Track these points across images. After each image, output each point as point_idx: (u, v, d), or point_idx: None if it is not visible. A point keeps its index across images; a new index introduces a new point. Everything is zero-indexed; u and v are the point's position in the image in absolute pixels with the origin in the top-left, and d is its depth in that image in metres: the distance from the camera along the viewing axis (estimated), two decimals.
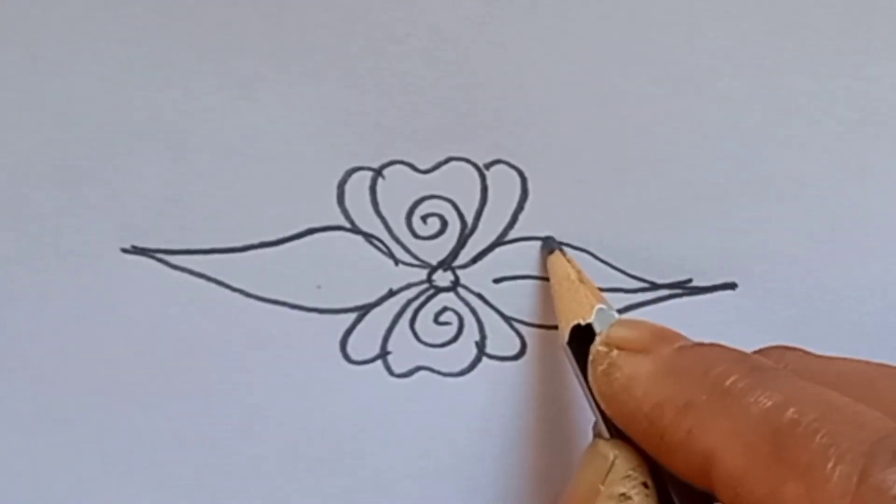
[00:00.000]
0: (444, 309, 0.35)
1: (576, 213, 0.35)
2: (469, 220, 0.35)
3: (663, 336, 0.29)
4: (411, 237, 0.35)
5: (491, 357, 0.36)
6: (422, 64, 0.34)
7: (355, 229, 0.35)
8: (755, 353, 0.30)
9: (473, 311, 0.35)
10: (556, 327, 0.35)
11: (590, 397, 0.30)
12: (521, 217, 0.35)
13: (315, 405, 0.36)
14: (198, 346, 0.35)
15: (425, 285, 0.35)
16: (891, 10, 0.34)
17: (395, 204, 0.35)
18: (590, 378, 0.30)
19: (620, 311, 0.35)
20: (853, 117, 0.35)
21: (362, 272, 0.35)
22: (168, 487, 0.36)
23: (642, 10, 0.34)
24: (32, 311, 0.34)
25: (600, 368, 0.29)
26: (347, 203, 0.35)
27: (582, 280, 0.33)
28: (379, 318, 0.35)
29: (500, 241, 0.35)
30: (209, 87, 0.34)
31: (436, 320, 0.35)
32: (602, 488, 0.28)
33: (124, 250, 0.34)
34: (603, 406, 0.29)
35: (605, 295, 0.35)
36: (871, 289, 0.36)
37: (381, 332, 0.35)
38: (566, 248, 0.35)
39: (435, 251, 0.35)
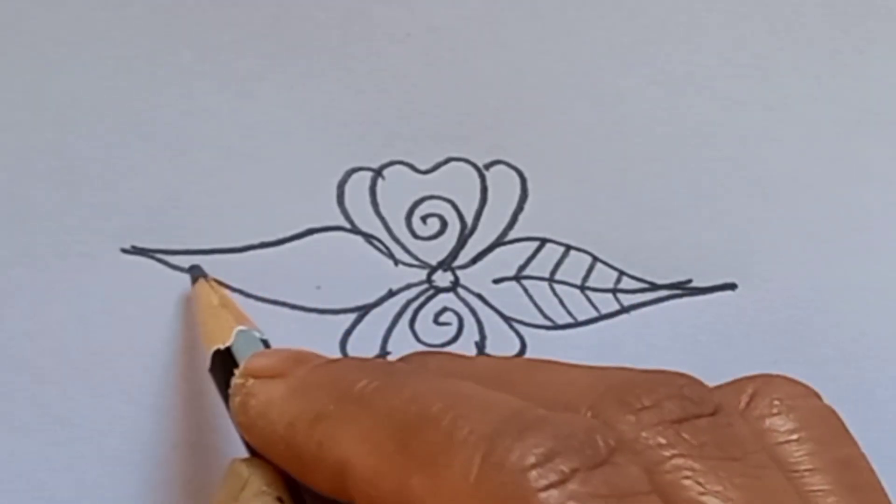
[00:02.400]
0: (444, 309, 0.35)
1: (575, 213, 0.35)
2: (469, 220, 0.35)
3: (299, 358, 0.28)
4: (411, 237, 0.35)
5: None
6: (422, 64, 0.34)
7: (355, 230, 0.35)
8: (398, 360, 0.30)
9: (473, 312, 0.35)
10: (556, 328, 0.35)
11: (235, 428, 0.29)
12: (521, 217, 0.35)
13: None
14: (198, 346, 0.35)
15: (425, 286, 0.35)
16: (891, 10, 0.34)
17: (394, 204, 0.35)
18: (231, 411, 0.29)
19: (620, 312, 0.35)
20: (853, 117, 0.35)
21: (362, 272, 0.35)
22: (168, 487, 0.36)
23: (642, 10, 0.34)
24: (32, 311, 0.34)
25: (237, 399, 0.29)
26: (347, 203, 0.35)
27: (224, 304, 0.33)
28: (379, 319, 0.35)
29: (499, 242, 0.35)
30: (209, 87, 0.34)
31: (435, 321, 0.35)
32: None
33: (124, 250, 0.34)
34: (244, 436, 0.29)
35: (604, 296, 0.35)
36: (871, 289, 0.36)
37: (381, 333, 0.35)
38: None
39: (435, 251, 0.35)
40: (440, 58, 0.34)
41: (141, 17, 0.33)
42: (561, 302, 0.35)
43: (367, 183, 0.35)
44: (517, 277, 0.35)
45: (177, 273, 0.35)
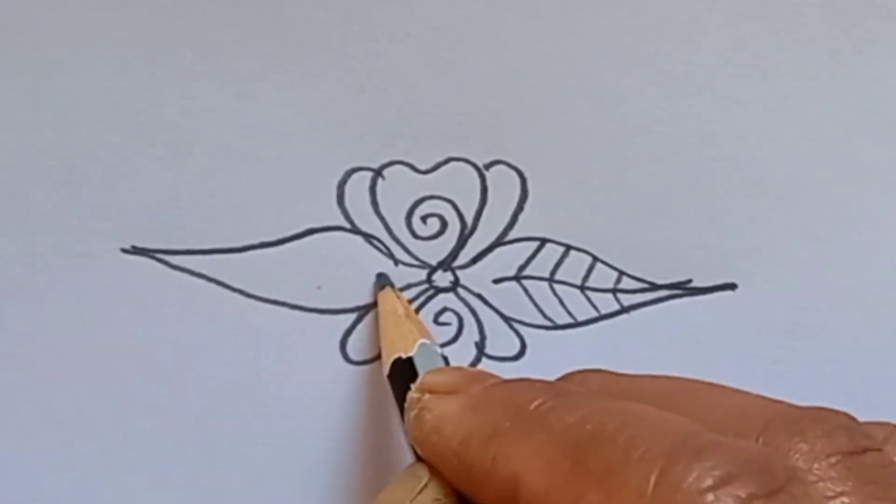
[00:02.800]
0: (444, 309, 0.35)
1: (575, 213, 0.35)
2: (469, 220, 0.35)
3: (474, 377, 0.29)
4: (411, 237, 0.35)
5: (490, 358, 0.36)
6: (422, 64, 0.34)
7: (355, 230, 0.35)
8: (558, 379, 0.30)
9: (473, 312, 0.35)
10: (556, 328, 0.36)
11: (407, 440, 0.30)
12: (521, 217, 0.35)
13: (314, 405, 0.36)
14: (198, 346, 0.35)
15: (425, 286, 0.35)
16: (891, 10, 0.34)
17: (394, 204, 0.35)
18: (405, 424, 0.30)
19: (620, 312, 0.35)
20: (853, 118, 0.35)
21: (362, 272, 0.35)
22: (168, 487, 0.36)
23: (642, 10, 0.34)
24: (32, 311, 0.34)
25: (412, 413, 0.29)
26: (347, 203, 0.35)
27: (408, 315, 0.34)
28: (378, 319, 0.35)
29: (499, 242, 0.35)
30: (209, 87, 0.34)
31: (435, 321, 0.35)
32: None
33: (124, 250, 0.34)
34: (418, 450, 0.29)
35: (604, 296, 0.35)
36: (871, 289, 0.36)
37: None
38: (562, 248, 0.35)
39: (435, 251, 0.35)
40: (440, 58, 0.34)
41: (141, 17, 0.33)
42: (561, 302, 0.35)
43: (367, 183, 0.35)
44: (517, 277, 0.35)
45: (177, 273, 0.35)
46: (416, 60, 0.34)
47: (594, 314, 0.35)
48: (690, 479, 0.21)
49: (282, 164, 0.34)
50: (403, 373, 0.31)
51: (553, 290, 0.35)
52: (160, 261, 0.34)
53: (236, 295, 0.35)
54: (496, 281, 0.35)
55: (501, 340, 0.36)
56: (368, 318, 0.35)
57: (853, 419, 0.25)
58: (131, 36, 0.33)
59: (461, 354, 0.36)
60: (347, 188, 0.34)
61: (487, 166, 0.35)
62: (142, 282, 0.35)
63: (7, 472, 0.35)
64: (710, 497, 0.21)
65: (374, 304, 0.35)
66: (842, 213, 0.35)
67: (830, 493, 0.23)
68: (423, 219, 0.35)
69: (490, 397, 0.27)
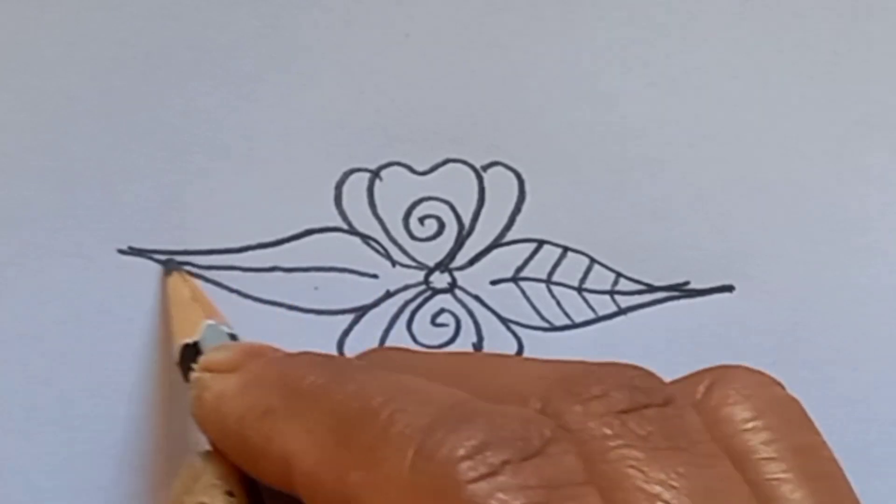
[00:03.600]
0: (442, 310, 0.35)
1: (573, 215, 0.35)
2: (466, 221, 0.35)
3: (254, 352, 0.29)
4: (408, 239, 0.35)
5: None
6: (420, 65, 0.34)
7: (353, 231, 0.35)
8: (359, 354, 0.30)
9: (470, 313, 0.35)
10: (554, 329, 0.35)
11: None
12: (519, 219, 0.35)
13: None
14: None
15: (422, 287, 0.35)
16: (891, 10, 0.34)
17: (392, 205, 0.35)
18: (191, 406, 0.29)
19: (618, 314, 0.35)
20: (853, 118, 0.34)
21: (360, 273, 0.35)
22: (168, 488, 0.36)
23: (642, 10, 0.34)
24: (30, 311, 0.34)
25: (193, 393, 0.29)
26: (345, 204, 0.35)
27: (195, 298, 0.33)
28: (376, 320, 0.35)
29: (497, 243, 0.35)
30: (208, 87, 0.34)
31: (433, 322, 0.35)
32: (185, 499, 0.27)
33: (122, 251, 0.34)
34: (201, 430, 0.29)
35: (602, 297, 0.35)
36: (871, 290, 0.36)
37: (379, 334, 0.35)
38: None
39: (432, 253, 0.35)
40: (439, 58, 0.34)
41: (141, 17, 0.33)
42: (558, 303, 0.35)
43: (365, 184, 0.35)
44: (515, 279, 0.35)
45: (176, 273, 0.35)
46: (415, 61, 0.34)
47: (592, 316, 0.35)
48: (444, 451, 0.22)
49: (280, 165, 0.34)
50: (190, 358, 0.30)
51: (550, 291, 0.35)
52: (158, 261, 0.35)
53: (234, 295, 0.35)
54: (494, 282, 0.35)
55: (499, 342, 0.36)
56: (367, 318, 0.35)
57: (643, 376, 0.25)
58: (131, 36, 0.33)
59: None
60: (345, 189, 0.35)
61: (485, 168, 0.35)
62: (141, 282, 0.35)
63: (7, 472, 0.35)
64: (464, 466, 0.21)
65: (373, 305, 0.35)
66: (842, 214, 0.35)
67: (603, 449, 0.23)
68: (421, 220, 0.35)
69: (266, 373, 0.27)
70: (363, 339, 0.35)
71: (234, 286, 0.35)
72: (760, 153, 0.34)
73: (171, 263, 0.34)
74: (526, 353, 0.36)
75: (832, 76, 0.34)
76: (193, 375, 0.29)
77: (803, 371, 0.35)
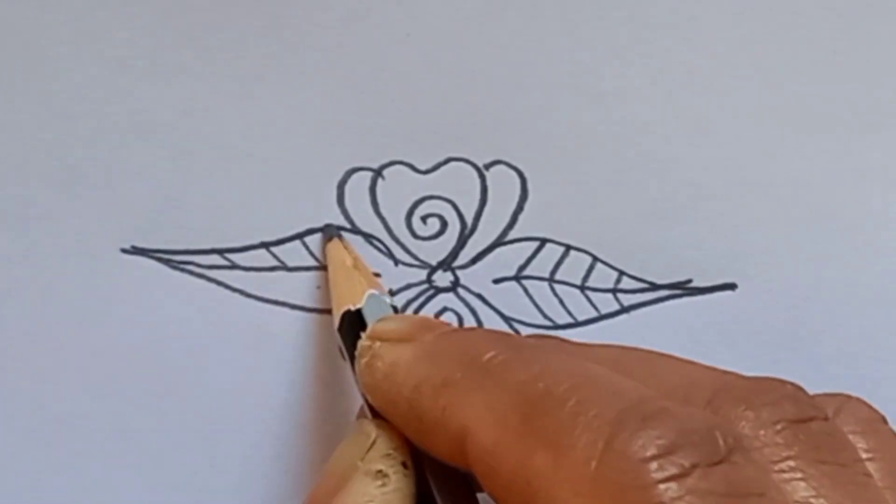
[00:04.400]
0: (444, 309, 0.35)
1: (575, 213, 0.35)
2: (469, 220, 0.35)
3: (427, 325, 0.29)
4: (411, 237, 0.35)
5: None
6: (422, 64, 0.34)
7: (355, 230, 0.35)
8: (523, 338, 0.30)
9: (473, 312, 0.35)
10: (557, 327, 0.35)
11: (359, 389, 0.30)
12: (521, 217, 0.35)
13: (315, 405, 0.36)
14: (198, 346, 0.35)
15: (425, 286, 0.35)
16: (891, 10, 0.34)
17: (394, 204, 0.35)
18: (357, 373, 0.29)
19: (620, 312, 0.35)
20: (853, 118, 0.35)
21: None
22: (167, 487, 0.36)
23: (642, 10, 0.34)
24: (32, 311, 0.34)
25: (364, 361, 0.29)
26: (347, 203, 0.35)
27: (357, 266, 0.33)
28: None
29: (499, 242, 0.35)
30: (209, 87, 0.34)
31: None
32: (360, 465, 0.27)
33: (124, 250, 0.34)
34: (368, 397, 0.29)
35: (604, 296, 0.35)
36: (871, 289, 0.36)
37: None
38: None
39: (435, 252, 0.35)
40: (440, 58, 0.34)
41: (141, 17, 0.33)
42: (561, 302, 0.35)
43: (367, 183, 0.35)
44: (517, 277, 0.35)
45: (176, 273, 0.35)
46: (416, 60, 0.34)
47: (594, 314, 0.35)
48: (635, 448, 0.22)
49: (282, 165, 0.34)
50: (353, 325, 0.31)
51: (553, 290, 0.35)
52: (160, 261, 0.34)
53: (236, 295, 0.35)
54: (496, 281, 0.35)
55: None
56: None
57: (801, 389, 0.25)
58: (131, 36, 0.33)
59: None
60: (347, 188, 0.34)
61: (487, 166, 0.35)
62: (142, 282, 0.35)
63: (7, 472, 0.35)
64: (654, 465, 0.21)
65: None
66: (842, 213, 0.35)
67: (776, 458, 0.23)
68: (423, 219, 0.35)
69: (444, 345, 0.27)
70: None
71: (237, 285, 0.35)
72: (762, 152, 0.35)
73: (331, 229, 0.34)
74: None
75: (832, 76, 0.34)
76: (363, 343, 0.29)
77: (804, 369, 0.36)
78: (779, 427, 0.23)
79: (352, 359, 0.30)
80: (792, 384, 0.25)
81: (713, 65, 0.34)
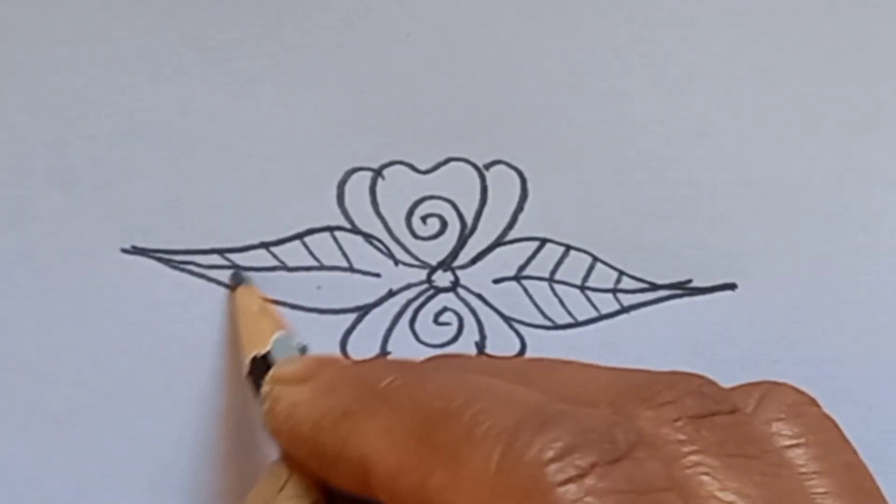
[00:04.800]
0: (444, 309, 0.35)
1: (575, 213, 0.35)
2: (469, 220, 0.35)
3: (326, 363, 0.29)
4: (411, 237, 0.35)
5: (491, 357, 0.36)
6: (422, 64, 0.34)
7: (355, 230, 0.35)
8: (423, 362, 0.30)
9: (473, 312, 0.35)
10: (557, 328, 0.35)
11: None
12: (521, 217, 0.35)
13: None
14: (198, 345, 0.35)
15: (425, 286, 0.35)
16: (891, 10, 0.34)
17: (394, 204, 0.35)
18: (262, 418, 0.29)
19: (620, 312, 0.35)
20: (853, 118, 0.35)
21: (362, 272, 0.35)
22: (167, 487, 0.36)
23: (642, 10, 0.34)
24: (32, 311, 0.34)
25: (266, 406, 0.29)
26: (347, 203, 0.35)
27: (263, 311, 0.33)
28: (379, 319, 0.35)
29: (499, 242, 0.35)
30: (209, 87, 0.34)
31: (436, 321, 0.35)
32: None
33: (124, 250, 0.34)
34: (274, 440, 0.29)
35: (604, 296, 0.35)
36: (872, 288, 0.36)
37: (381, 333, 0.35)
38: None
39: (435, 251, 0.35)
40: (440, 58, 0.34)
41: (141, 17, 0.33)
42: (561, 302, 0.35)
43: (367, 183, 0.35)
44: (517, 277, 0.35)
45: (177, 273, 0.35)
46: (416, 60, 0.34)
47: (594, 314, 0.35)
48: (532, 452, 0.21)
49: (282, 164, 0.34)
50: (260, 371, 0.31)
51: (553, 289, 0.35)
52: (160, 261, 0.35)
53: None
54: (496, 281, 0.35)
55: (501, 340, 0.36)
56: (369, 318, 0.35)
57: (710, 383, 0.25)
58: (131, 36, 0.33)
59: None
60: (347, 188, 0.35)
61: (487, 166, 0.35)
62: (142, 282, 0.35)
63: (7, 472, 0.35)
64: (552, 468, 0.21)
65: (376, 304, 0.35)
66: (842, 213, 0.35)
67: (679, 455, 0.23)
68: (423, 219, 0.35)
69: (341, 379, 0.27)
70: (365, 338, 0.35)
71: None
72: (762, 152, 0.35)
73: (238, 277, 0.34)
74: (528, 352, 0.36)
75: (832, 76, 0.34)
76: (264, 388, 0.29)
77: (804, 369, 0.36)
78: (679, 423, 0.23)
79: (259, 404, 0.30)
80: (699, 378, 0.25)
81: (713, 65, 0.34)
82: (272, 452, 0.36)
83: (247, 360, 0.32)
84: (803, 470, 0.24)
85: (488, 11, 0.34)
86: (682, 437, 0.23)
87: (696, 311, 0.35)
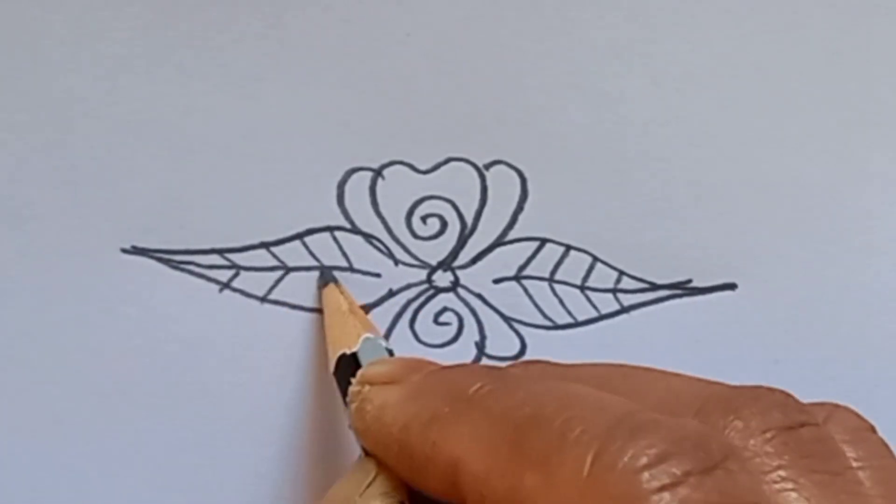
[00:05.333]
0: (444, 309, 0.35)
1: (575, 213, 0.35)
2: (469, 220, 0.35)
3: (414, 366, 0.29)
4: (411, 237, 0.35)
5: (491, 357, 0.36)
6: (422, 64, 0.34)
7: (355, 229, 0.35)
8: (507, 367, 0.30)
9: (473, 312, 0.35)
10: (557, 328, 0.36)
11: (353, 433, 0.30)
12: (521, 217, 0.35)
13: (315, 405, 0.36)
14: (198, 346, 0.35)
15: (425, 286, 0.35)
16: (891, 10, 0.34)
17: (394, 204, 0.35)
18: (349, 418, 0.30)
19: (620, 312, 0.35)
20: (853, 117, 0.35)
21: (362, 272, 0.35)
22: (167, 487, 0.36)
23: (642, 10, 0.34)
24: (32, 311, 0.34)
25: (354, 405, 0.29)
26: (347, 203, 0.35)
27: (352, 311, 0.33)
28: (379, 319, 0.35)
29: (499, 242, 0.35)
30: (209, 86, 0.34)
31: (435, 321, 0.35)
32: (358, 500, 0.27)
33: (124, 250, 0.34)
34: (360, 441, 0.29)
35: (604, 296, 0.35)
36: (871, 289, 0.36)
37: (381, 333, 0.35)
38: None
39: (435, 251, 0.35)
40: (440, 58, 0.34)
41: (141, 17, 0.33)
42: (561, 302, 0.35)
43: (367, 183, 0.35)
44: (517, 277, 0.35)
45: (177, 273, 0.35)
46: (416, 60, 0.34)
47: (594, 314, 0.35)
48: (626, 459, 0.21)
49: (282, 164, 0.34)
50: (347, 368, 0.31)
51: (553, 290, 0.35)
52: (160, 261, 0.34)
53: (236, 295, 0.35)
54: (496, 281, 0.35)
55: (501, 340, 0.36)
56: (369, 317, 0.35)
57: (790, 396, 0.25)
58: (131, 36, 0.33)
59: (461, 354, 0.36)
60: (347, 188, 0.34)
61: (487, 166, 0.35)
62: (142, 282, 0.35)
63: (7, 472, 0.35)
64: (646, 476, 0.21)
65: (375, 304, 0.35)
66: (842, 213, 0.35)
67: (767, 468, 0.23)
68: (423, 219, 0.35)
69: (430, 383, 0.27)
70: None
71: (237, 286, 0.35)
72: (762, 152, 0.35)
73: (327, 275, 0.34)
74: (528, 352, 0.36)
75: (832, 76, 0.34)
76: (353, 388, 0.30)
77: (804, 369, 0.36)
78: (768, 435, 0.23)
79: (344, 401, 0.30)
80: (781, 392, 0.25)
81: (713, 65, 0.34)
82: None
83: (334, 357, 0.32)
84: (871, 493, 0.24)
85: (488, 11, 0.34)
86: (769, 449, 0.23)
87: (696, 311, 0.35)
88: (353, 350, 0.31)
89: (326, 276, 0.34)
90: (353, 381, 0.30)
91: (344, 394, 0.31)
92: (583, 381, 0.26)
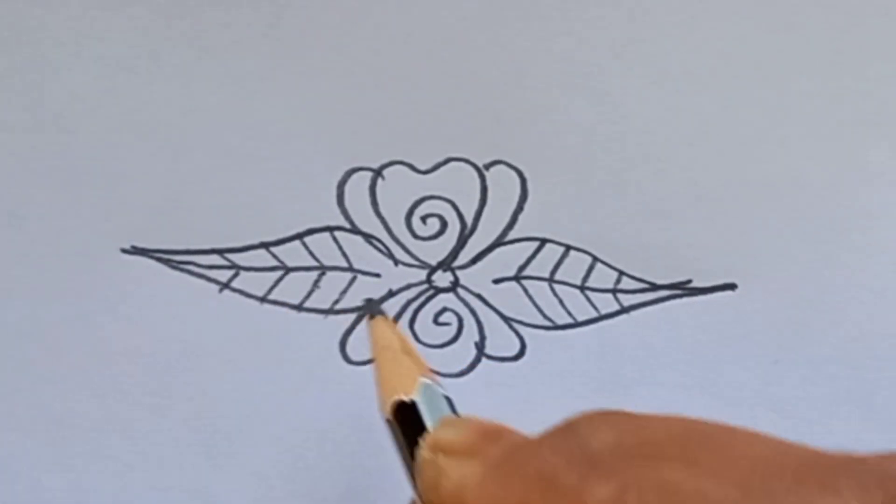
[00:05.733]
0: (444, 309, 0.35)
1: (575, 213, 0.35)
2: (469, 220, 0.35)
3: (490, 436, 0.27)
4: (411, 237, 0.35)
5: (490, 358, 0.36)
6: (422, 64, 0.34)
7: (355, 230, 0.35)
8: (563, 425, 0.28)
9: (473, 312, 0.35)
10: (556, 328, 0.35)
11: (411, 482, 0.28)
12: (521, 217, 0.35)
13: (315, 405, 0.36)
14: (198, 346, 0.35)
15: (425, 286, 0.35)
16: (891, 10, 0.34)
17: (394, 204, 0.35)
18: (418, 485, 0.28)
19: (620, 312, 0.35)
20: (853, 117, 0.35)
21: (362, 273, 0.35)
22: (167, 487, 0.36)
23: (642, 10, 0.34)
24: (32, 311, 0.34)
25: (428, 475, 0.28)
26: (347, 203, 0.35)
27: (406, 350, 0.32)
28: None
29: (499, 242, 0.35)
30: (209, 86, 0.34)
31: (435, 321, 0.35)
32: None
33: (124, 250, 0.34)
34: None
35: (604, 296, 0.35)
36: (871, 289, 0.36)
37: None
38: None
39: (434, 252, 0.35)
40: (440, 58, 0.34)
41: (141, 17, 0.33)
42: (561, 302, 0.35)
43: (367, 183, 0.35)
44: (517, 277, 0.35)
45: (177, 273, 0.35)
46: (416, 60, 0.34)
47: (594, 314, 0.35)
48: None
49: (282, 164, 0.34)
50: (406, 418, 0.29)
51: (553, 290, 0.35)
52: (160, 261, 0.35)
53: (236, 295, 0.35)
54: (496, 281, 0.35)
55: (501, 340, 0.36)
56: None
57: (883, 460, 0.24)
58: (131, 36, 0.33)
59: (461, 354, 0.36)
60: (347, 188, 0.35)
61: (487, 166, 0.35)
62: (142, 282, 0.35)
63: (7, 472, 0.35)
64: None
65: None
66: (842, 213, 0.35)
67: None
68: (423, 219, 0.35)
69: (512, 463, 0.26)
70: (365, 338, 0.35)
71: (236, 286, 0.35)
72: (762, 152, 0.35)
73: (374, 307, 0.33)
74: (529, 352, 0.36)
75: (832, 75, 0.34)
76: (425, 455, 0.28)
77: (804, 369, 0.36)
78: None
79: (405, 454, 0.29)
80: (873, 458, 0.24)
81: (713, 65, 0.34)
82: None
83: (389, 402, 0.30)
84: None
85: (488, 11, 0.34)
86: None
87: (695, 312, 0.35)
88: (412, 398, 0.30)
89: (373, 308, 0.33)
90: (423, 444, 0.28)
91: (402, 445, 0.29)
92: (661, 447, 0.25)
